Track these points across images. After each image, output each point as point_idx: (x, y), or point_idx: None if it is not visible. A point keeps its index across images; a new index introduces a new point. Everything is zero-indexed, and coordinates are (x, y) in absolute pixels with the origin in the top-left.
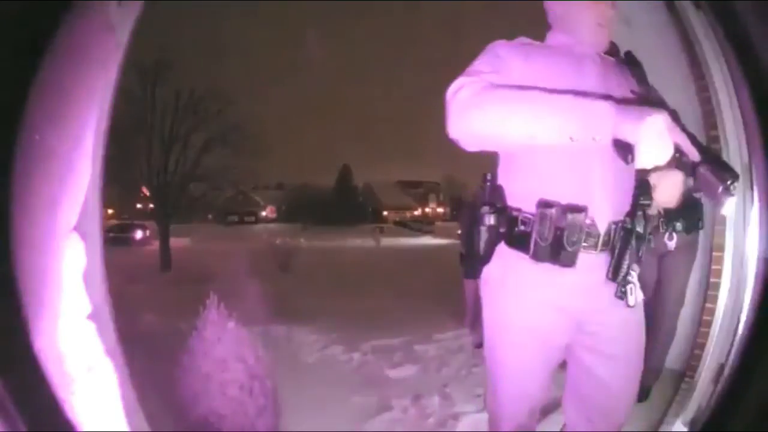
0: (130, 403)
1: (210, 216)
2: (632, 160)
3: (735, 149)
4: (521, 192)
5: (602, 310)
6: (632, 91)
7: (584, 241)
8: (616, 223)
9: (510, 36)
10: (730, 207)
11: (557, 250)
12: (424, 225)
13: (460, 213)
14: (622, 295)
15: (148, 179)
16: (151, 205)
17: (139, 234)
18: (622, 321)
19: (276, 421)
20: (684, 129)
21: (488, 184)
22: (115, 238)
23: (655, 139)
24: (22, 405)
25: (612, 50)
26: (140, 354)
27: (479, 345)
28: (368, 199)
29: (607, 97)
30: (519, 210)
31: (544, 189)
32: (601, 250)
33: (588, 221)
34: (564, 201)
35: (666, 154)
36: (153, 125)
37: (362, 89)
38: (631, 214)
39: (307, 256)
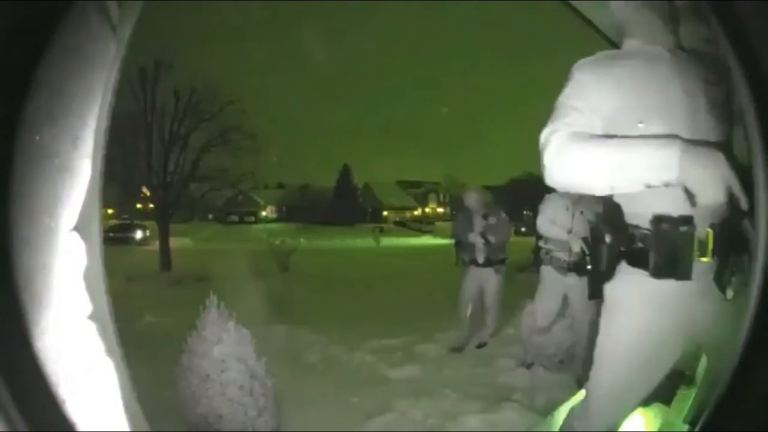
0: (130, 403)
1: (210, 216)
2: (696, 203)
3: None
4: (636, 209)
5: (709, 309)
6: (706, 80)
7: (697, 250)
8: (718, 227)
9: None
10: None
11: (675, 264)
12: (423, 225)
13: (454, 216)
14: (722, 290)
15: (148, 179)
16: (151, 205)
17: (139, 234)
18: (721, 314)
19: (276, 421)
20: (739, 168)
21: (605, 202)
22: (115, 238)
23: (710, 186)
24: (22, 405)
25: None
26: (140, 354)
27: (481, 345)
28: (368, 199)
29: (675, 137)
30: (636, 227)
31: (656, 204)
32: (712, 256)
33: (698, 231)
34: (675, 214)
35: (719, 198)
36: (153, 125)
37: (363, 89)
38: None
39: (307, 257)
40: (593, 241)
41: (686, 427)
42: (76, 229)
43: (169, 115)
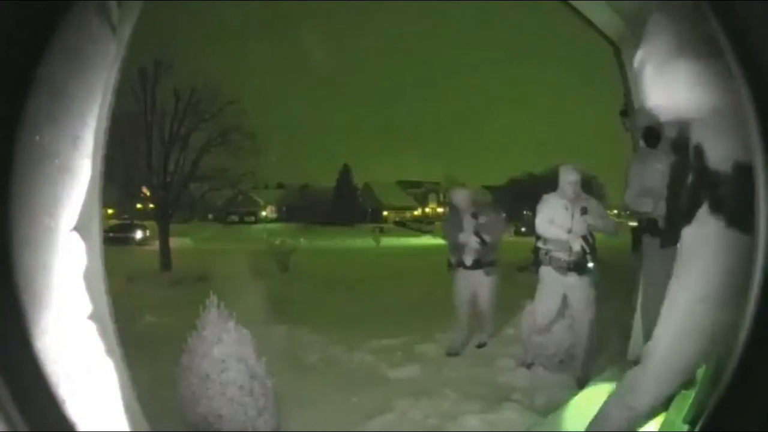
0: (130, 403)
1: (210, 216)
2: None
3: None
4: (720, 152)
5: None
6: None
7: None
8: None
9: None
10: None
11: (748, 215)
12: (423, 225)
13: (448, 217)
14: None
15: (148, 179)
16: (151, 205)
17: (139, 234)
18: None
19: (276, 421)
20: None
21: (692, 145)
22: (115, 238)
23: None
24: (22, 405)
25: None
26: (140, 354)
27: (481, 345)
28: (368, 199)
29: None
30: (718, 173)
31: (739, 149)
32: None
33: None
34: (753, 159)
35: None
36: (153, 125)
37: (363, 89)
38: None
39: (307, 257)
40: (673, 181)
41: (686, 427)
42: (76, 229)
43: (169, 115)
